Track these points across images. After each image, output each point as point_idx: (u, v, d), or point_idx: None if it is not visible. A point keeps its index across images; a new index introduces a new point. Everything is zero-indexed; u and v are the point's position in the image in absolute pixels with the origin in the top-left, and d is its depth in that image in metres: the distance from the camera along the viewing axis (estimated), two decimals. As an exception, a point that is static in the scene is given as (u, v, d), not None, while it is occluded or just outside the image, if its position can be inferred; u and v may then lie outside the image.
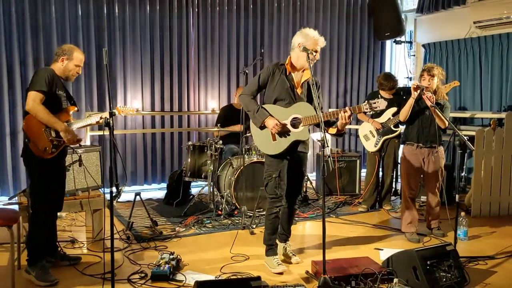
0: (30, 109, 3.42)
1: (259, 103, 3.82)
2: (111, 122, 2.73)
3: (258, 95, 3.90)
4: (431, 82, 4.40)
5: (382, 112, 5.60)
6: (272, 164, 3.76)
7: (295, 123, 3.66)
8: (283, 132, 3.66)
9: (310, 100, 3.74)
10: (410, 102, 4.41)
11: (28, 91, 3.46)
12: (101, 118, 3.79)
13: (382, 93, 5.67)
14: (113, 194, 2.73)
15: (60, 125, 3.50)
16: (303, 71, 3.76)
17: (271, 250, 3.88)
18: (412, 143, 4.53)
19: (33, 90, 3.42)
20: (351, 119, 3.54)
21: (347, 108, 3.50)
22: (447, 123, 4.31)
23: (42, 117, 3.43)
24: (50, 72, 3.53)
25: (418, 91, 4.30)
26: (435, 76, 4.39)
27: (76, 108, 3.80)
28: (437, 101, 4.44)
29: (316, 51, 3.62)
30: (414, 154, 4.53)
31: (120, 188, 2.87)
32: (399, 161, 6.12)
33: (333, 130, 3.71)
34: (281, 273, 3.70)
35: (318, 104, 3.47)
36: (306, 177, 3.97)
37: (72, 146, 3.72)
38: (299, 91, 3.73)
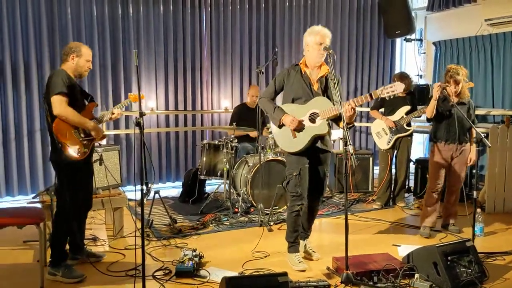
0: (60, 114, 3.42)
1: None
2: (141, 122, 2.78)
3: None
4: (457, 88, 4.48)
5: (395, 110, 5.65)
6: (292, 162, 3.80)
7: (313, 118, 3.71)
8: (302, 128, 3.71)
9: (326, 94, 3.79)
10: (433, 103, 4.49)
11: (50, 96, 3.43)
12: (112, 113, 3.84)
13: None
14: (143, 192, 2.79)
15: (90, 124, 3.57)
16: (319, 67, 3.79)
17: (292, 247, 3.92)
18: (441, 141, 4.60)
19: (56, 94, 3.40)
20: (356, 110, 3.56)
21: (350, 101, 3.50)
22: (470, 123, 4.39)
23: (73, 119, 3.47)
24: (64, 73, 3.53)
25: (439, 91, 4.39)
26: (460, 81, 4.45)
27: (96, 104, 3.83)
28: (462, 101, 4.54)
29: (326, 44, 3.66)
30: (443, 150, 4.59)
31: (149, 186, 2.92)
32: (412, 158, 6.19)
33: (341, 124, 3.69)
34: (302, 271, 3.75)
35: (335, 98, 3.55)
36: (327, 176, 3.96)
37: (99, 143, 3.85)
38: (315, 87, 3.77)
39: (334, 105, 3.59)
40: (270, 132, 5.47)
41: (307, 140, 3.71)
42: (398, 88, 3.38)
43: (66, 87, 3.44)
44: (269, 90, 3.90)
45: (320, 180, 3.90)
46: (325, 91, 3.78)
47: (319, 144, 3.80)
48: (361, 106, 7.60)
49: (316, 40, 3.65)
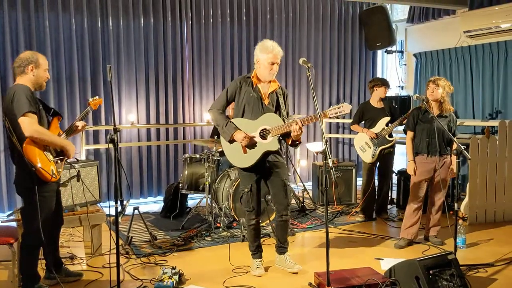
0: (32, 134, 3.16)
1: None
2: (115, 138, 2.71)
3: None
4: (435, 92, 4.48)
5: (375, 122, 5.65)
6: (244, 178, 3.93)
7: (264, 134, 3.77)
8: (253, 144, 3.76)
9: (278, 110, 3.88)
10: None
11: (16, 116, 3.17)
12: (76, 126, 3.67)
13: (374, 97, 5.71)
14: (118, 210, 2.72)
15: (63, 141, 3.40)
16: (269, 82, 3.86)
17: (254, 254, 4.06)
18: (423, 153, 4.60)
19: (24, 115, 3.15)
20: (302, 130, 3.67)
21: (298, 120, 3.63)
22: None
23: (48, 139, 3.25)
24: (28, 89, 3.28)
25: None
26: (440, 86, 4.46)
27: (61, 118, 3.64)
28: (443, 114, 4.56)
29: (277, 63, 3.77)
30: (425, 163, 4.60)
31: (124, 204, 2.84)
32: (394, 170, 6.19)
33: (289, 141, 3.85)
34: (258, 276, 3.91)
35: (287, 114, 3.79)
36: (289, 186, 4.02)
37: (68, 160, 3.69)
38: (266, 101, 3.85)
39: (284, 122, 3.71)
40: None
41: (257, 156, 3.78)
42: (345, 109, 3.51)
43: (33, 104, 3.22)
44: (220, 102, 3.90)
45: (281, 191, 3.91)
46: (277, 108, 3.88)
47: (270, 158, 3.87)
48: (343, 117, 7.68)
49: (267, 59, 3.74)
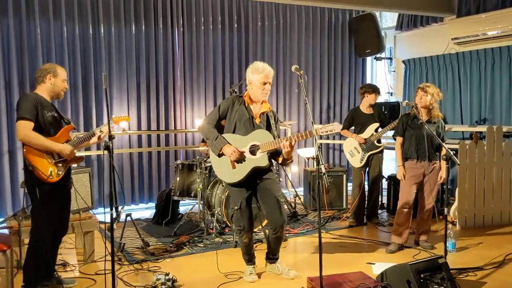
0: (22, 139, 3.40)
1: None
2: (110, 145, 2.73)
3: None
4: (423, 98, 4.56)
5: (365, 128, 5.71)
6: (233, 195, 3.94)
7: (254, 150, 3.78)
8: (243, 159, 3.77)
9: (269, 130, 3.90)
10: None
11: (16, 121, 3.43)
12: (100, 131, 3.76)
13: (364, 103, 5.77)
14: (113, 217, 2.74)
15: (56, 146, 3.48)
16: (261, 103, 3.93)
17: (247, 261, 4.10)
18: (412, 159, 4.66)
19: (19, 119, 3.39)
20: (293, 147, 3.70)
21: (288, 137, 3.66)
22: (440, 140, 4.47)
23: (36, 143, 3.41)
24: (34, 97, 3.50)
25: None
26: (428, 93, 4.54)
27: (73, 127, 3.78)
28: (431, 120, 4.63)
29: (269, 83, 3.82)
30: (414, 168, 4.65)
31: (119, 210, 2.86)
32: (384, 175, 6.25)
33: (279, 159, 3.88)
34: (251, 282, 3.94)
35: (278, 136, 3.82)
36: (283, 201, 4.02)
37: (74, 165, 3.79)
38: (257, 121, 3.89)
39: (274, 139, 3.74)
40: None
41: (246, 172, 3.78)
42: (336, 128, 3.53)
43: (33, 111, 3.41)
44: (212, 116, 3.93)
45: (275, 209, 3.88)
46: (268, 128, 3.90)
47: (261, 175, 3.87)
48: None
49: (259, 80, 3.79)
